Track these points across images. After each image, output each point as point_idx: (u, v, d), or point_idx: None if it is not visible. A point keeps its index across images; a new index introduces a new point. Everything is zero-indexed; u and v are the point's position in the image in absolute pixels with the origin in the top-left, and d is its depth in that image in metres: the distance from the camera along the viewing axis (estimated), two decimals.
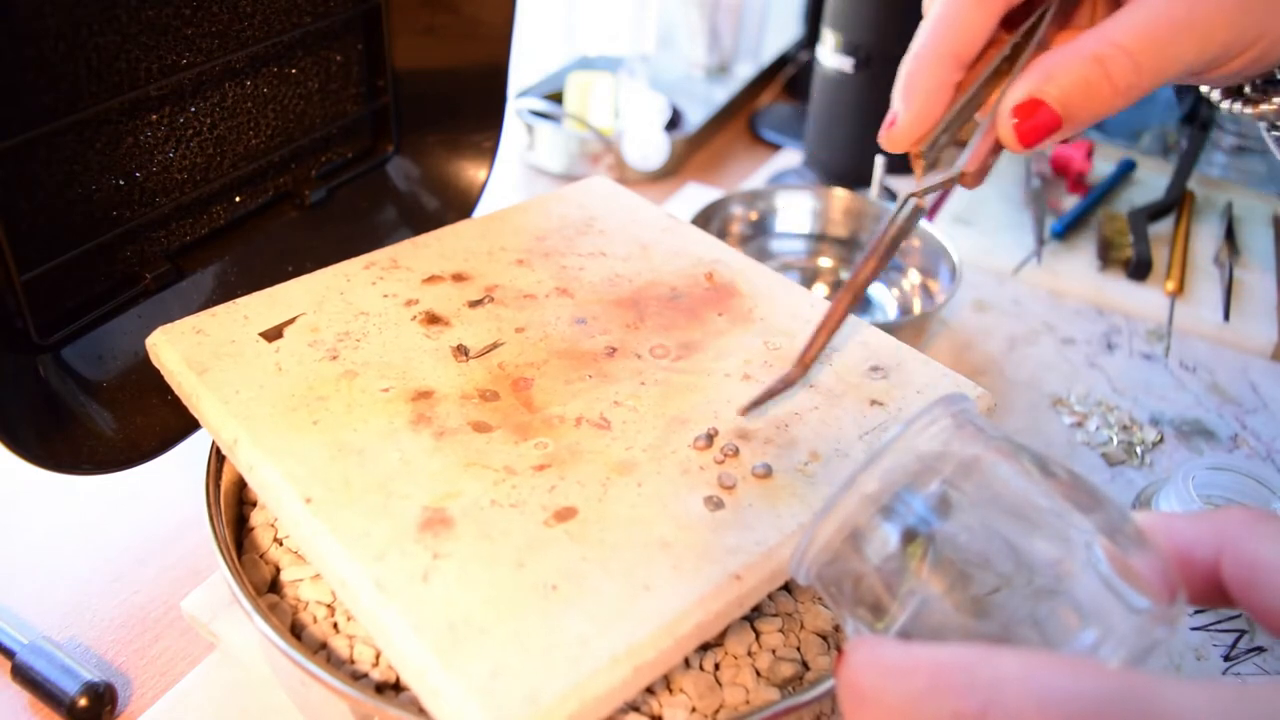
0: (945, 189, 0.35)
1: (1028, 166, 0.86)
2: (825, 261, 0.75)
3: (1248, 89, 0.38)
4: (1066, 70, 0.31)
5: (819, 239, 0.75)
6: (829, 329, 0.37)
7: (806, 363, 0.38)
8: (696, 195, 0.85)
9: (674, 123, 0.93)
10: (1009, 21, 0.35)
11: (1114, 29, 0.30)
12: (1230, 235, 0.79)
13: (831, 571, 0.25)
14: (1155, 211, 0.79)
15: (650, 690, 0.35)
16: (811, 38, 1.03)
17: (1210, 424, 0.62)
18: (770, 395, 0.38)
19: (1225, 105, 0.39)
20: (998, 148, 0.34)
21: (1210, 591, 0.23)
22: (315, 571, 0.39)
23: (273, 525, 0.41)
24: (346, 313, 0.43)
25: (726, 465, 0.36)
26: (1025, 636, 0.22)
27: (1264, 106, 0.37)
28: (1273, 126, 0.39)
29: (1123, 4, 0.34)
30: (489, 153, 0.64)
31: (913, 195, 0.35)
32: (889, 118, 0.35)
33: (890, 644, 0.21)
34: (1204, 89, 0.40)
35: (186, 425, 0.47)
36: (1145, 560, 0.22)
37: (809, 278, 0.74)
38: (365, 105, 0.60)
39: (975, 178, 0.34)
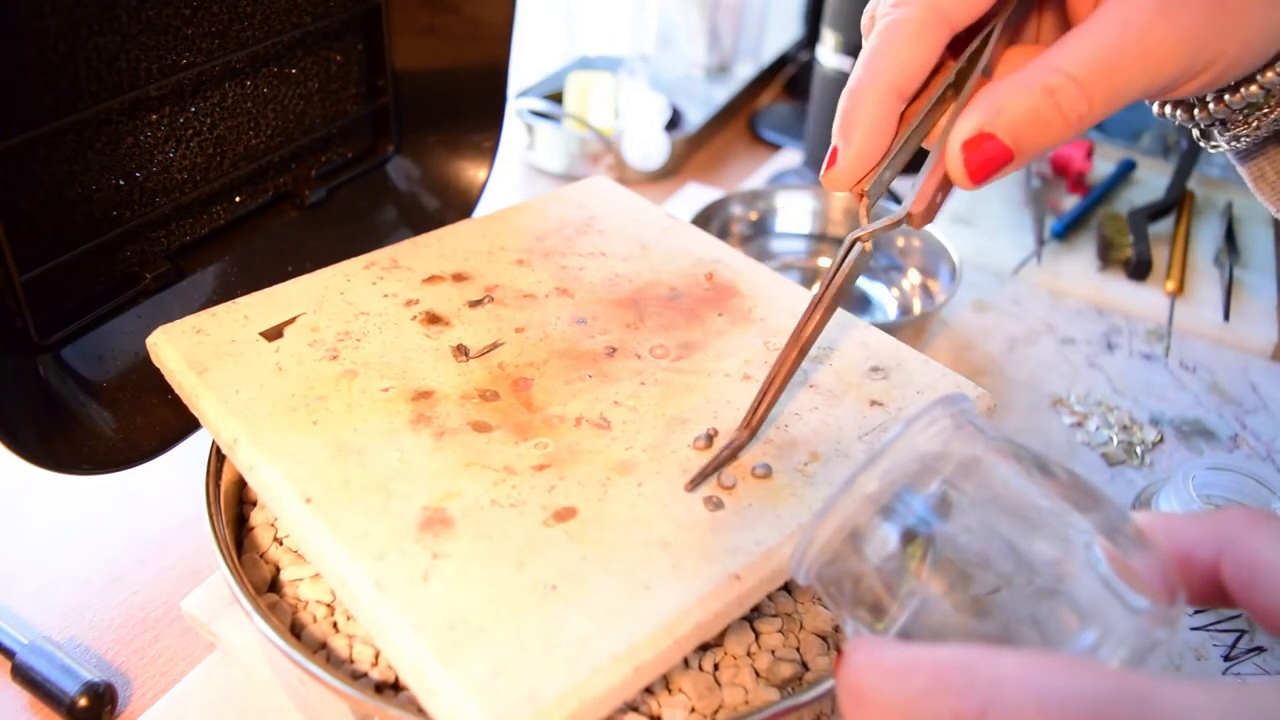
0: (890, 229, 0.33)
1: (1027, 167, 0.86)
2: (825, 261, 0.75)
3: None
4: (1015, 102, 0.29)
5: (819, 239, 0.75)
6: (777, 388, 0.36)
7: (754, 425, 0.36)
8: (696, 195, 0.85)
9: (674, 123, 0.93)
10: (953, 46, 0.33)
11: (1063, 58, 0.29)
12: (1230, 235, 0.79)
13: (831, 572, 0.25)
14: (1155, 211, 0.79)
15: (649, 690, 0.35)
16: (811, 38, 1.03)
17: (1210, 424, 0.62)
18: (718, 465, 0.36)
19: (1155, 109, 0.38)
20: (946, 184, 0.32)
21: (1210, 592, 0.23)
22: (315, 571, 0.39)
23: (273, 525, 0.41)
24: (347, 312, 0.43)
25: (726, 465, 0.36)
26: (1025, 637, 0.22)
27: (1193, 112, 0.36)
28: (1202, 134, 0.38)
29: (1071, 24, 0.33)
30: (489, 153, 0.64)
31: (858, 239, 0.33)
32: (829, 156, 0.33)
33: (890, 644, 0.21)
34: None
35: (186, 425, 0.47)
36: (1145, 561, 0.23)
37: (809, 278, 0.74)
38: (365, 105, 0.60)
39: (923, 218, 0.32)
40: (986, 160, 0.30)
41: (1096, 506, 0.24)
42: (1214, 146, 0.39)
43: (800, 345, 0.35)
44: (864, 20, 0.34)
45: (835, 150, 0.33)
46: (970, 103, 0.30)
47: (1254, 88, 0.33)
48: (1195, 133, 0.38)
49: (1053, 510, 0.24)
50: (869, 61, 0.32)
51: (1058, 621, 0.22)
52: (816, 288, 0.35)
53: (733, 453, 0.36)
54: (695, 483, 0.35)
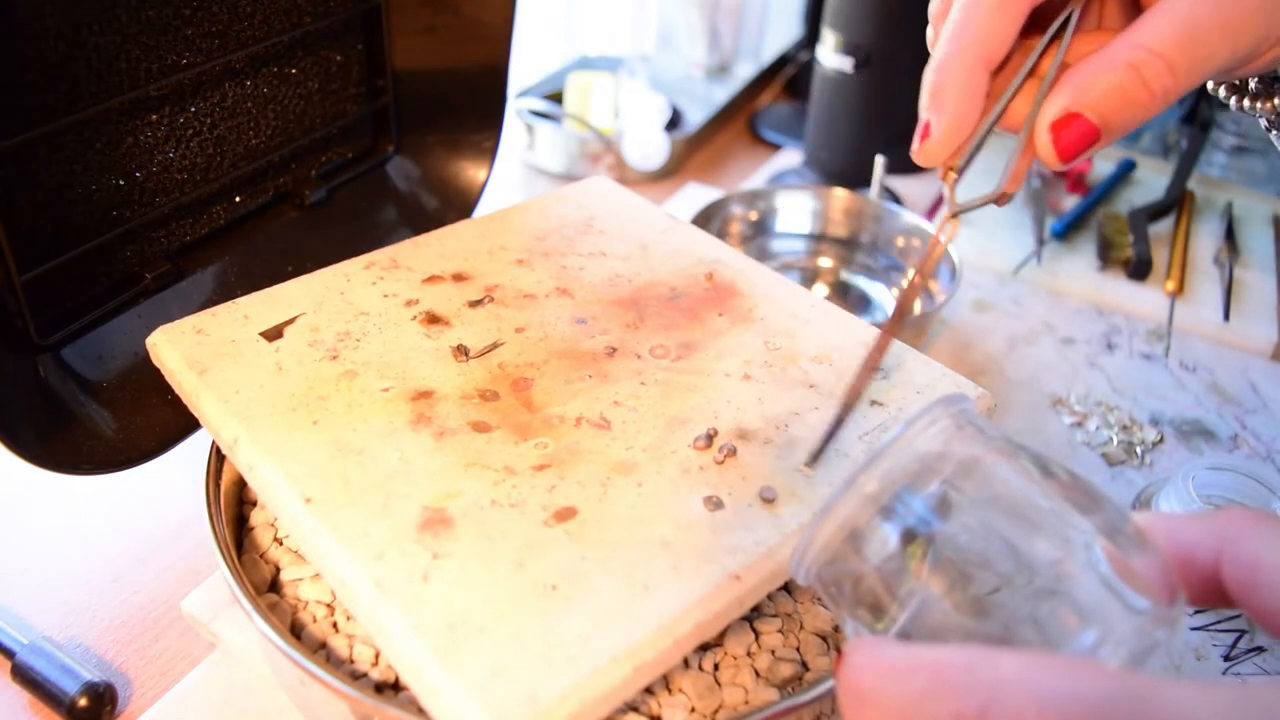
0: (982, 206, 0.33)
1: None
2: (825, 261, 0.75)
3: (1253, 84, 0.38)
4: (1100, 80, 0.30)
5: (819, 239, 0.75)
6: (877, 356, 0.35)
7: (858, 391, 0.36)
8: (696, 195, 0.85)
9: (674, 123, 0.93)
10: (1032, 25, 0.34)
11: (1144, 34, 0.30)
12: (1230, 235, 0.79)
13: (831, 572, 0.25)
14: (1155, 211, 0.79)
15: (649, 690, 0.35)
16: (811, 38, 1.03)
17: (1210, 424, 0.62)
18: (831, 436, 0.35)
19: (1232, 102, 0.38)
20: (1030, 164, 0.33)
21: (1210, 592, 0.23)
22: (315, 571, 0.39)
23: (273, 525, 0.41)
24: (347, 312, 0.43)
25: (726, 466, 0.36)
26: (1025, 637, 0.22)
27: (1271, 102, 0.37)
28: (1272, 124, 0.39)
29: (1142, 7, 0.33)
30: (489, 153, 0.64)
31: (952, 216, 0.34)
32: (920, 129, 0.33)
33: (890, 644, 0.21)
34: (1209, 86, 0.39)
35: (186, 425, 0.47)
36: (1145, 561, 0.22)
37: (809, 278, 0.74)
38: (365, 105, 0.60)
39: (1010, 197, 0.33)
40: (1075, 139, 0.31)
41: (1097, 507, 0.24)
42: None
43: (902, 314, 0.35)
44: (934, 6, 0.35)
45: (928, 124, 0.33)
46: (1056, 85, 0.31)
47: None
48: (1264, 124, 0.39)
49: (1053, 510, 0.24)
50: (955, 35, 0.32)
51: (1058, 622, 0.22)
52: (920, 258, 0.35)
53: (840, 422, 0.35)
54: (813, 461, 0.35)
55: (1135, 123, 0.30)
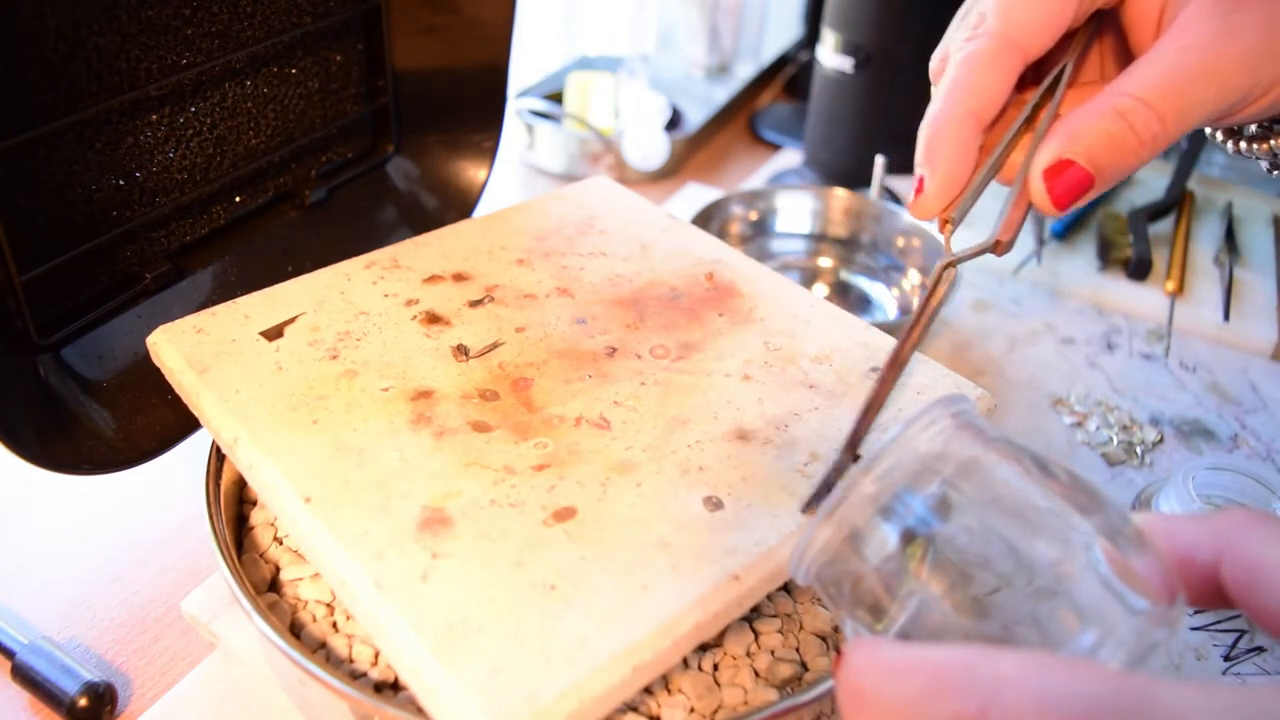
0: (976, 256, 0.34)
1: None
2: (825, 261, 0.75)
3: (1251, 128, 0.38)
4: (1091, 128, 0.30)
5: (819, 239, 0.75)
6: (874, 409, 0.35)
7: (855, 443, 0.35)
8: (696, 195, 0.85)
9: (674, 123, 0.93)
10: (1025, 80, 0.34)
11: (1131, 83, 0.30)
12: (1230, 235, 0.79)
13: (831, 572, 0.25)
14: (1155, 211, 0.79)
15: (649, 690, 0.35)
16: (811, 38, 1.03)
17: (1210, 424, 0.62)
18: (829, 485, 0.34)
19: (1229, 146, 0.38)
20: (1025, 213, 0.33)
21: (1210, 593, 0.23)
22: (315, 570, 0.39)
23: (273, 524, 0.41)
24: (347, 312, 0.43)
25: (726, 466, 0.36)
26: (1025, 637, 0.22)
27: (1268, 144, 0.37)
28: (1274, 165, 0.39)
29: (1134, 56, 0.34)
30: (489, 153, 0.64)
31: (947, 265, 0.34)
32: (915, 183, 0.34)
33: (889, 645, 0.21)
34: (1207, 131, 0.40)
35: (186, 425, 0.47)
36: (1145, 562, 0.23)
37: (809, 278, 0.74)
38: (365, 105, 0.60)
39: (1008, 246, 0.33)
40: (1069, 186, 0.31)
41: (1097, 508, 0.24)
42: None
43: (899, 367, 0.35)
44: (933, 64, 0.35)
45: (921, 179, 0.34)
46: (1048, 134, 0.31)
47: None
48: (1265, 166, 0.39)
49: (1053, 511, 0.24)
50: (949, 92, 0.33)
51: (1058, 622, 0.22)
52: (915, 309, 0.35)
53: (839, 472, 0.34)
54: (809, 505, 0.34)
55: (1127, 168, 0.31)
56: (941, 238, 0.34)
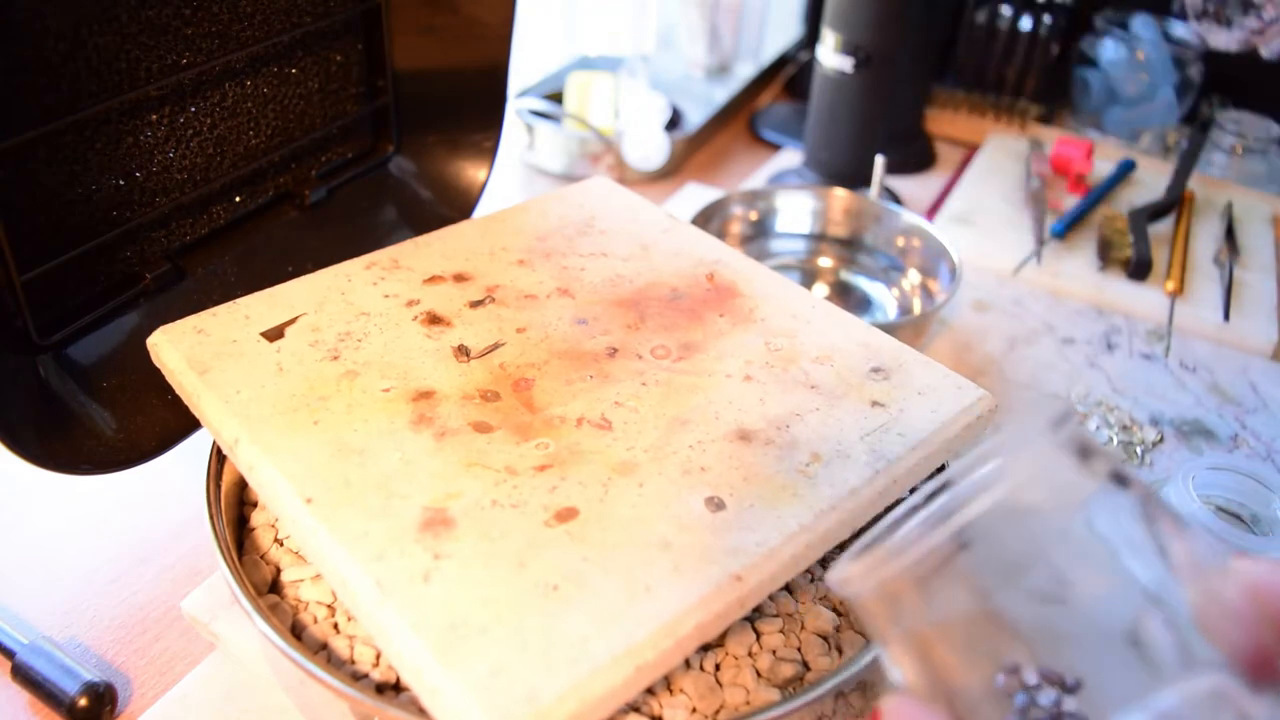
0: None
1: (1028, 166, 0.86)
2: (825, 261, 0.75)
3: None
4: None
5: (819, 239, 0.75)
6: None
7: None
8: (696, 195, 0.85)
9: (674, 123, 0.93)
10: None
11: None
12: (1230, 235, 0.79)
13: (884, 606, 0.24)
14: (1155, 211, 0.79)
15: (650, 690, 0.35)
16: (811, 38, 1.03)
17: (1210, 424, 0.62)
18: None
19: None
20: None
21: None
22: (316, 572, 0.39)
23: (273, 525, 0.41)
24: (347, 313, 0.43)
25: (727, 467, 0.36)
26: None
27: None
28: None
29: None
30: (489, 153, 0.63)
31: None
32: None
33: (929, 714, 0.21)
34: None
35: (186, 425, 0.46)
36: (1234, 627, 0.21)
37: (809, 278, 0.74)
38: (365, 105, 0.60)
39: None
40: None
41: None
42: None
43: None
44: None
45: None
46: None
47: None
48: None
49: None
50: None
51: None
52: None
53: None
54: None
55: None
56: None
